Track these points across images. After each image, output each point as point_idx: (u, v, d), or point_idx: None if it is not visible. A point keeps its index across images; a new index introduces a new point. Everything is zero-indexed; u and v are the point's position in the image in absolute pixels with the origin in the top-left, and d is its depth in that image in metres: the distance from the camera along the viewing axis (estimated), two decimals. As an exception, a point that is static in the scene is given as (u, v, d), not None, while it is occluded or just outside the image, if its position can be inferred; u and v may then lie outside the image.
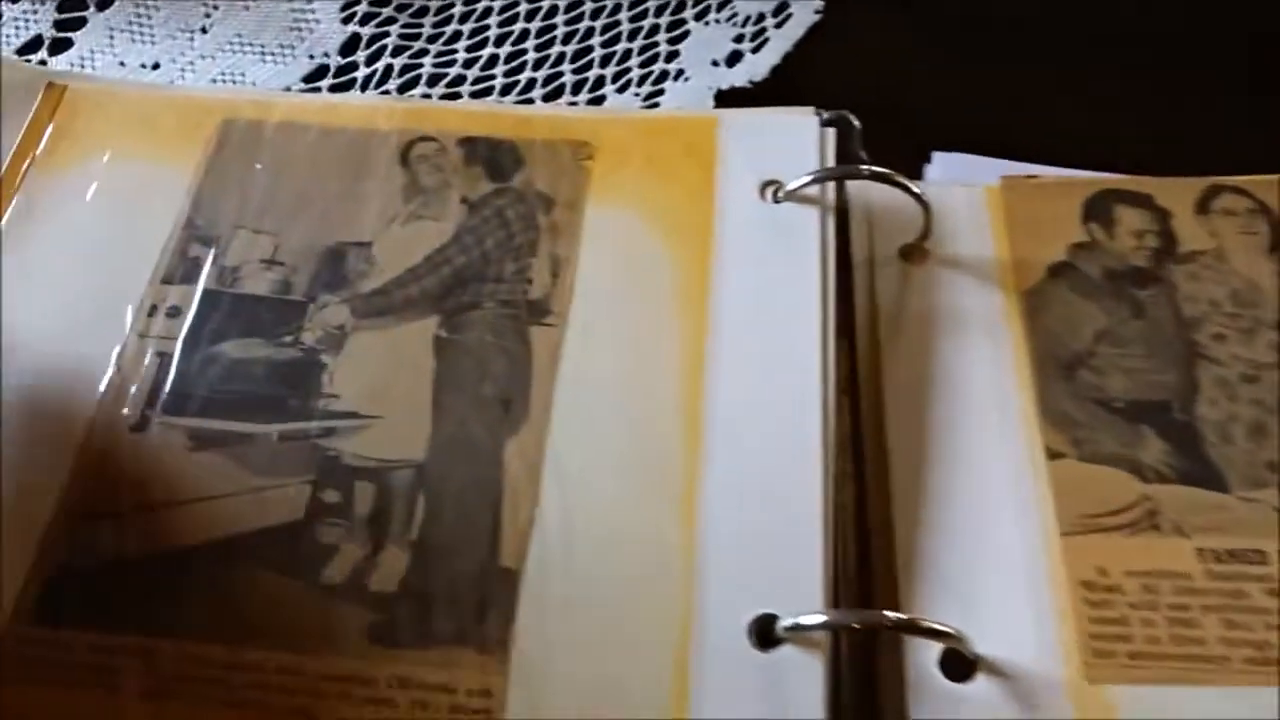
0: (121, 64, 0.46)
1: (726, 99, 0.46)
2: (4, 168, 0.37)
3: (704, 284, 0.34)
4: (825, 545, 0.30)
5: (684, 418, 0.32)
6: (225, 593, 0.29)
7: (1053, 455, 0.32)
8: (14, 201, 0.36)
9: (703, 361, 0.33)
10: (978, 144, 0.43)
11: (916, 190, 0.36)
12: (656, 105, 0.46)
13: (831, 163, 0.37)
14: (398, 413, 0.32)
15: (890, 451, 0.33)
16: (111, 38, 0.47)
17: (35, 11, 0.47)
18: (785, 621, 0.28)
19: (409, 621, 0.29)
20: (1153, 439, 0.33)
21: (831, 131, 0.38)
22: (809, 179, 0.36)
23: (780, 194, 0.36)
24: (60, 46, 0.47)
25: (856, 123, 0.40)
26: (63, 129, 0.38)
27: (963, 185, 0.40)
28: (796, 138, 0.37)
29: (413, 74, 0.47)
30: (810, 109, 0.39)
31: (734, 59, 0.48)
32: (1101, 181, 0.39)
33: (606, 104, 0.46)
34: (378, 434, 0.32)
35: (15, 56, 0.46)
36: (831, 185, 0.36)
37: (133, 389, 0.32)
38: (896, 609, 0.30)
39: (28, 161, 0.37)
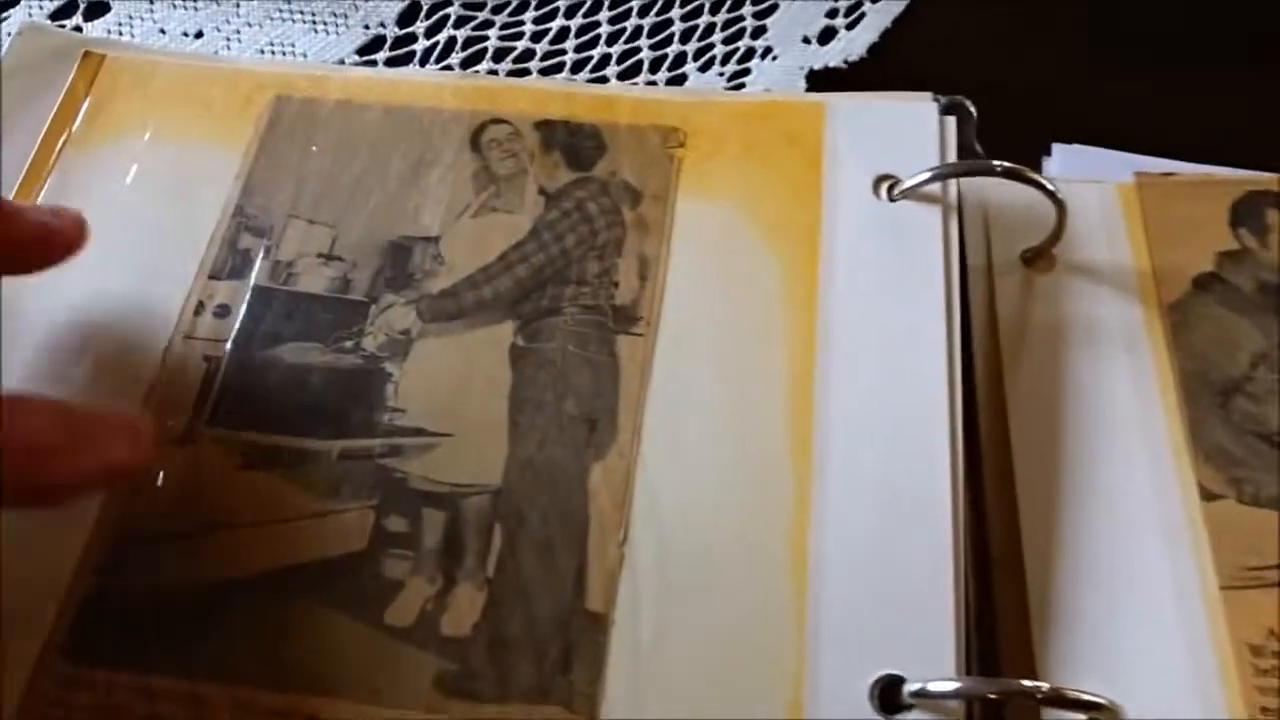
0: (162, 31, 0.43)
1: (819, 80, 0.42)
2: (37, 144, 0.33)
3: (811, 291, 0.30)
4: (957, 599, 0.26)
5: (792, 443, 0.28)
6: (280, 632, 0.26)
7: (1208, 496, 0.29)
8: (48, 183, 0.33)
9: (812, 380, 0.29)
10: (1099, 135, 0.39)
11: (1052, 189, 0.32)
12: (742, 86, 0.42)
13: (953, 156, 0.33)
14: (470, 431, 0.29)
15: (1017, 481, 0.30)
16: (151, 2, 0.43)
17: (70, -28, 0.44)
18: (912, 685, 0.25)
19: (485, 671, 0.26)
20: (1325, 481, 0.29)
21: (952, 121, 0.34)
22: (929, 175, 0.32)
23: (896, 191, 0.32)
24: (96, 11, 0.43)
25: (974, 110, 0.36)
26: (100, 103, 0.34)
27: (1091, 182, 0.36)
28: (914, 128, 0.33)
29: (477, 47, 0.43)
30: (927, 95, 0.35)
31: (827, 36, 0.43)
32: (1250, 181, 0.35)
33: (688, 84, 0.42)
34: (448, 454, 0.28)
35: (48, 22, 0.43)
36: (954, 182, 0.32)
37: (176, 397, 0.29)
38: (1030, 663, 0.27)
39: (63, 138, 0.33)
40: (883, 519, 0.27)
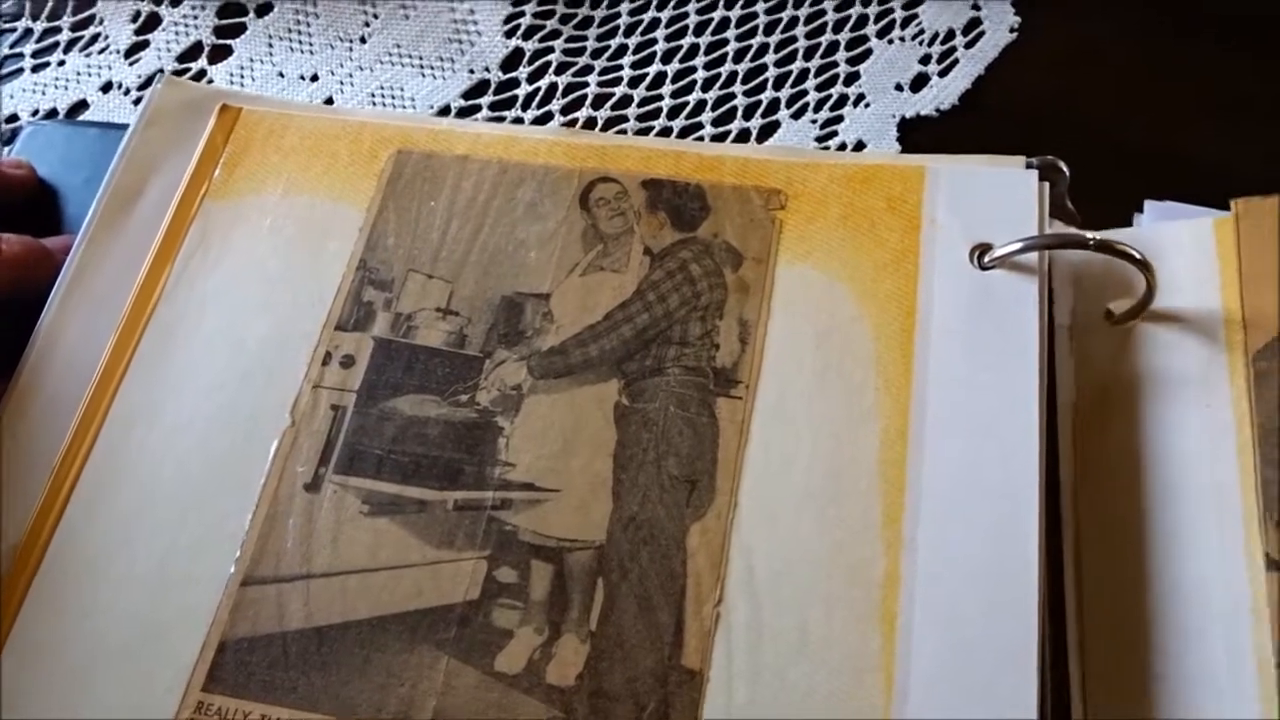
0: (280, 74, 0.45)
1: (910, 128, 0.43)
2: (179, 193, 0.35)
3: (907, 360, 0.31)
4: (1041, 671, 0.27)
5: (884, 513, 0.29)
6: (394, 673, 0.28)
7: (1273, 565, 0.29)
8: (190, 230, 0.35)
9: (905, 449, 0.30)
10: (1197, 190, 0.39)
11: (1142, 258, 0.32)
12: (834, 134, 0.43)
13: (1048, 223, 0.34)
14: (576, 486, 0.30)
15: (1082, 554, 0.31)
16: (270, 46, 0.46)
17: (196, 17, 0.46)
18: (997, 755, 0.26)
19: (589, 720, 0.27)
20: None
21: (1046, 189, 0.34)
22: (1021, 245, 0.32)
23: (988, 259, 0.33)
24: (220, 54, 0.46)
25: (1066, 171, 0.36)
26: (237, 156, 0.36)
27: (1184, 221, 0.35)
28: (1012, 195, 0.34)
29: (577, 93, 0.44)
30: (1021, 159, 0.35)
31: (919, 83, 0.44)
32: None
33: (781, 131, 0.43)
34: (555, 509, 0.30)
35: (186, 80, 0.45)
36: (1047, 252, 0.33)
37: (305, 444, 0.31)
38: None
39: (203, 189, 0.36)
40: (971, 594, 0.28)
